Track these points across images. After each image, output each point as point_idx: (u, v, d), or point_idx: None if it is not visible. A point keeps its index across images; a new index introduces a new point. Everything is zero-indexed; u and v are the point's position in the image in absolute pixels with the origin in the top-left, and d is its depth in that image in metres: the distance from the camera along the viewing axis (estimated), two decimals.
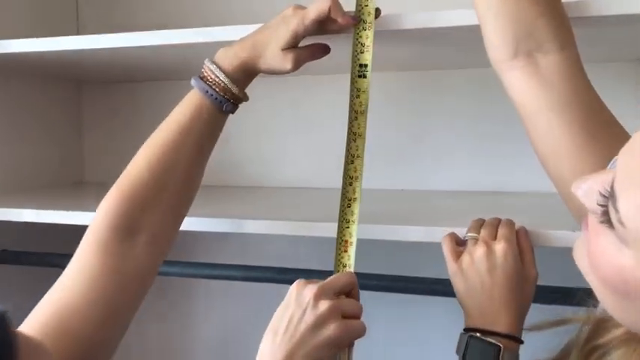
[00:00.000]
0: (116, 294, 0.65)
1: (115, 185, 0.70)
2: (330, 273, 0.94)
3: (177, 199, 0.72)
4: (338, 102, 1.19)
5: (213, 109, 0.72)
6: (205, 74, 0.72)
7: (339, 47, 0.76)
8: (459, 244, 0.73)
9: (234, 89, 0.71)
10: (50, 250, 1.16)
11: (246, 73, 0.73)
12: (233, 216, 0.86)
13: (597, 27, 0.73)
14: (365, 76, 0.72)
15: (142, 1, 1.34)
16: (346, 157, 0.71)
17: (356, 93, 0.72)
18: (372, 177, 1.16)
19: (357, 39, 0.72)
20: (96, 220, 0.68)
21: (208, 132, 0.72)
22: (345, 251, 0.71)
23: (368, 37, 0.72)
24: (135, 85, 1.39)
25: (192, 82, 0.72)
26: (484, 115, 1.15)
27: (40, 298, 0.64)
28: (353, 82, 0.72)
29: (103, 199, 0.69)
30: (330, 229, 0.74)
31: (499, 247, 0.68)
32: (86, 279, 0.64)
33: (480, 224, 0.74)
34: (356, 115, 0.71)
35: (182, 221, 0.74)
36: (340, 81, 1.18)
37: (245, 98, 0.74)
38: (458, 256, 0.71)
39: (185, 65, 1.10)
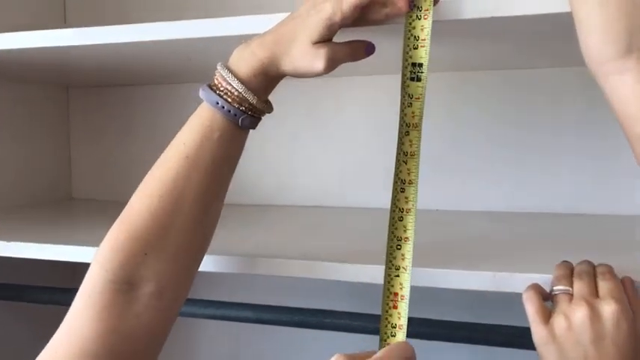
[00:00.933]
0: None
1: (113, 226, 0.57)
2: (368, 318, 0.80)
3: (188, 242, 0.57)
4: (363, 108, 1.09)
5: (227, 125, 0.57)
6: (216, 82, 0.57)
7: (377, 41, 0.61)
8: (544, 297, 0.56)
9: (252, 98, 0.56)
10: (30, 283, 1.00)
11: (268, 78, 0.57)
12: (242, 252, 0.70)
13: None
14: (419, 79, 0.55)
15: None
16: (395, 183, 0.55)
17: (407, 100, 0.55)
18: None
19: (410, 31, 0.56)
20: (90, 271, 0.56)
21: (222, 154, 0.57)
22: (395, 307, 0.54)
23: (424, 28, 0.56)
24: (128, 89, 1.23)
25: (201, 93, 0.57)
26: (528, 125, 0.99)
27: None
28: (404, 87, 0.56)
29: (101, 243, 0.56)
30: (372, 274, 0.58)
31: (608, 309, 0.51)
32: (77, 343, 0.53)
33: (569, 271, 0.57)
34: (407, 129, 0.55)
35: (197, 268, 0.60)
36: (368, 83, 1.08)
37: (267, 109, 0.59)
38: (547, 317, 0.53)
39: (186, 66, 0.95)
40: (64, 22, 1.23)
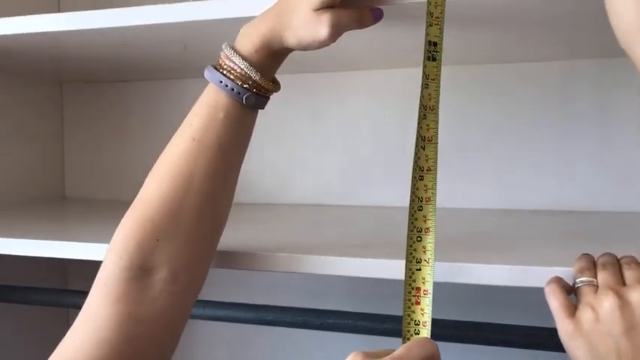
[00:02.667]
0: (131, 347, 0.53)
1: (126, 213, 0.57)
2: (374, 318, 0.76)
3: (199, 225, 0.56)
4: (365, 104, 1.05)
5: (232, 104, 0.55)
6: (220, 61, 0.56)
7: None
8: (567, 290, 0.53)
9: (255, 75, 0.54)
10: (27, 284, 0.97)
11: (272, 53, 0.55)
12: (248, 248, 0.66)
13: None
14: (435, 59, 0.52)
15: None
16: (414, 170, 0.52)
17: (424, 81, 0.52)
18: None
19: (427, 6, 0.52)
20: (105, 259, 0.56)
21: (229, 136, 0.56)
22: (418, 303, 0.51)
23: (437, 5, 0.52)
24: (123, 85, 1.19)
25: (205, 73, 0.56)
26: (539, 120, 0.96)
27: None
28: (423, 67, 0.52)
29: (116, 231, 0.56)
30: (390, 268, 0.55)
31: (637, 296, 0.47)
32: (92, 332, 0.53)
33: (591, 263, 0.53)
34: (425, 112, 0.52)
35: (214, 250, 0.59)
36: (370, 78, 1.04)
37: (274, 88, 0.57)
38: (572, 311, 0.50)
39: (181, 58, 0.92)
40: (57, 10, 1.19)
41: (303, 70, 1.03)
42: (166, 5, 0.68)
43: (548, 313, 0.51)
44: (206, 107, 0.55)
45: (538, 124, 0.95)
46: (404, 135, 1.02)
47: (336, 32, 0.53)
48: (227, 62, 0.55)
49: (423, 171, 0.51)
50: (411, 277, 0.51)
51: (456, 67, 0.97)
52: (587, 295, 0.50)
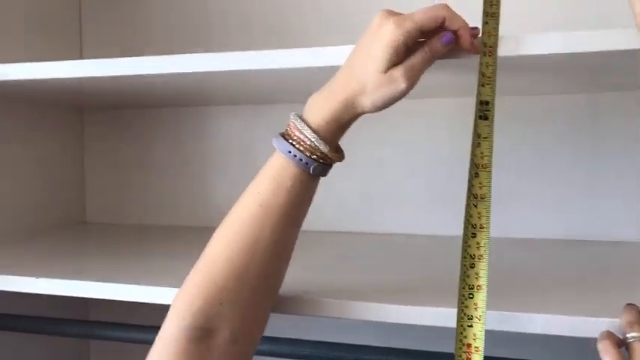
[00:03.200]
0: None
1: (190, 273, 0.57)
2: (407, 354, 0.77)
3: (262, 287, 0.58)
4: (391, 130, 1.06)
5: (299, 173, 0.56)
6: (289, 131, 0.57)
7: None
8: (618, 345, 0.53)
9: (324, 147, 0.55)
10: (47, 314, 0.97)
11: (342, 124, 0.57)
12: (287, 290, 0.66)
13: None
14: (486, 118, 0.53)
15: (154, 18, 1.16)
16: (465, 228, 0.52)
17: (476, 140, 0.53)
18: (424, 221, 1.04)
19: (478, 67, 0.53)
20: (167, 318, 0.56)
21: (295, 201, 0.57)
22: (469, 359, 0.51)
23: (489, 65, 0.53)
24: (144, 111, 1.20)
25: (274, 141, 0.57)
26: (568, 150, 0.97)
27: None
28: (475, 126, 0.53)
29: (175, 295, 0.57)
30: (439, 317, 0.56)
31: None
32: None
33: (637, 315, 0.54)
34: (477, 170, 0.52)
35: (269, 310, 0.60)
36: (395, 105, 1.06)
37: (339, 158, 0.58)
38: None
39: (205, 90, 0.92)
40: (80, 54, 1.21)
41: None
42: (199, 55, 0.69)
43: None
44: (274, 175, 0.56)
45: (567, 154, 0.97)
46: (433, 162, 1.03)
47: (413, 82, 0.53)
48: (296, 133, 0.55)
49: (475, 228, 0.52)
50: (462, 332, 0.52)
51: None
52: (639, 351, 0.50)
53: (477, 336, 0.51)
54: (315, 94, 0.57)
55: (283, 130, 0.57)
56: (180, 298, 0.56)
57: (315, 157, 0.55)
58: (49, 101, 1.08)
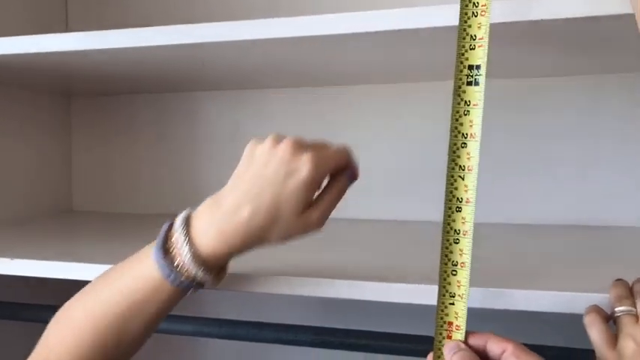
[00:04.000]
0: None
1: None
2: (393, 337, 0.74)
3: None
4: (364, 116, 1.06)
5: (173, 291, 0.53)
6: (172, 251, 0.52)
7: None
8: (606, 319, 0.51)
9: (205, 277, 0.52)
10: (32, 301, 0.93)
11: (233, 257, 0.54)
12: (266, 270, 0.63)
13: None
14: (477, 83, 0.49)
15: None
16: (449, 201, 0.49)
17: (464, 108, 0.49)
18: (404, 207, 1.01)
19: (465, 29, 0.50)
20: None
21: (164, 310, 0.54)
22: (449, 337, 0.48)
23: (481, 25, 0.50)
24: (133, 97, 1.18)
25: (153, 255, 0.52)
26: (562, 134, 0.95)
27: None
28: (459, 92, 0.50)
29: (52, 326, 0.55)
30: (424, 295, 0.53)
31: None
32: None
33: (627, 289, 0.52)
34: (464, 140, 0.49)
35: None
36: (366, 91, 1.05)
37: (216, 284, 0.55)
38: (613, 342, 0.48)
39: (196, 74, 0.89)
40: (65, 28, 1.18)
41: (311, 84, 1.03)
42: (188, 26, 0.67)
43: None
44: (144, 285, 0.52)
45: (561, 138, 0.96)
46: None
47: (324, 222, 0.52)
48: (182, 258, 0.51)
49: (461, 202, 0.49)
50: (443, 310, 0.49)
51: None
52: (627, 325, 0.49)
53: (458, 314, 0.48)
54: (209, 211, 0.52)
55: (165, 240, 0.53)
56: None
57: (195, 283, 0.52)
58: (35, 84, 1.05)
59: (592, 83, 0.93)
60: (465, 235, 0.48)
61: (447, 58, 0.57)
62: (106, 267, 0.61)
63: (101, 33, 0.70)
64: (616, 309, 0.50)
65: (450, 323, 0.48)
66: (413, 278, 0.58)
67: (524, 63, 0.81)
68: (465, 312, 0.48)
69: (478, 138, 0.49)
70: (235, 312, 1.08)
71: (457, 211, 0.49)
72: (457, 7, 0.51)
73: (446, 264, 0.48)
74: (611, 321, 0.51)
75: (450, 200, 0.49)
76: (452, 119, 0.49)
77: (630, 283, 0.54)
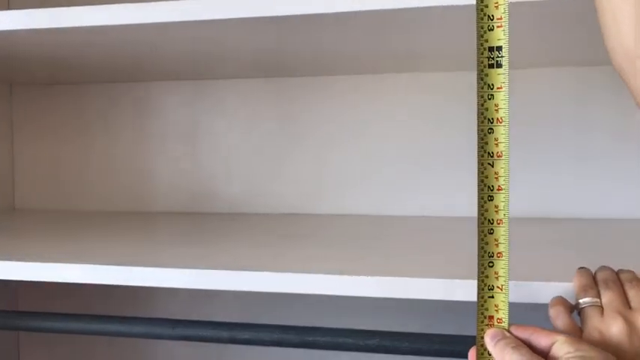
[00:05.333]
0: None
1: None
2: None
3: None
4: (342, 109, 1.01)
5: None
6: None
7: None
8: (570, 310, 0.50)
9: None
10: None
11: None
12: (228, 266, 0.61)
13: None
14: (500, 65, 0.47)
15: None
16: (481, 191, 0.47)
17: (488, 92, 0.47)
18: (377, 202, 0.99)
19: (482, 9, 0.47)
20: None
21: None
22: None
23: (498, 4, 0.47)
24: (79, 87, 1.10)
25: None
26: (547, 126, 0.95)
27: None
28: (482, 76, 0.47)
29: None
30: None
31: None
32: None
33: (591, 278, 0.52)
34: (491, 125, 0.47)
35: None
36: (346, 83, 0.99)
37: None
38: (579, 335, 0.48)
39: (146, 61, 0.85)
40: (7, 5, 1.09)
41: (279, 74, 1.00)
42: (140, 5, 0.62)
43: None
44: None
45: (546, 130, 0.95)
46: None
47: None
48: None
49: (492, 190, 0.47)
50: (483, 305, 0.47)
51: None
52: (592, 317, 0.48)
53: (499, 307, 0.47)
54: None
55: None
56: None
57: None
58: None
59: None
60: (499, 224, 0.47)
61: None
62: (50, 266, 0.57)
63: (46, 11, 0.64)
64: (580, 300, 0.50)
65: (491, 317, 0.47)
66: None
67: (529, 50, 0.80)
68: (506, 304, 0.46)
69: (506, 122, 0.47)
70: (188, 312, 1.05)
71: (489, 200, 0.47)
72: None
73: (483, 256, 0.47)
74: (576, 312, 0.50)
75: (482, 190, 0.47)
76: (478, 104, 0.47)
77: (593, 271, 0.53)
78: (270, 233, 0.84)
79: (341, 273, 0.57)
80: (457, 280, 0.54)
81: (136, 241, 0.79)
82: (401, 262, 0.64)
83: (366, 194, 1.00)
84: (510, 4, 0.47)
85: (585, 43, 0.74)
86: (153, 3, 0.61)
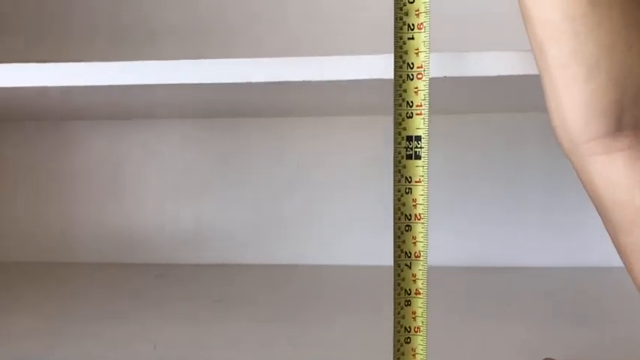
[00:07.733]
0: None
1: None
2: None
3: None
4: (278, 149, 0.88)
5: None
6: None
7: None
8: None
9: None
10: None
11: None
12: None
13: None
14: (419, 157, 0.40)
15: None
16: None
17: (405, 186, 0.41)
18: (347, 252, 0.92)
19: (400, 94, 0.38)
20: None
21: None
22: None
23: (419, 91, 0.38)
24: (53, 124, 0.94)
25: None
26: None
27: None
28: (398, 167, 0.40)
29: None
30: None
31: None
32: None
33: None
34: (408, 222, 0.42)
35: None
36: (278, 125, 0.87)
37: None
38: None
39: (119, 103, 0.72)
40: None
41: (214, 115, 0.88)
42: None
43: None
44: None
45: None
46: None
47: None
48: None
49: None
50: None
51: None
52: None
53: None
54: None
55: None
56: None
57: None
58: None
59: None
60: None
61: None
62: None
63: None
64: None
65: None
66: None
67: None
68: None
69: (425, 220, 0.41)
70: None
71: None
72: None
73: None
74: None
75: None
76: (394, 199, 0.41)
77: None
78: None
79: None
80: None
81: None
82: None
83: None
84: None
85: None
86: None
